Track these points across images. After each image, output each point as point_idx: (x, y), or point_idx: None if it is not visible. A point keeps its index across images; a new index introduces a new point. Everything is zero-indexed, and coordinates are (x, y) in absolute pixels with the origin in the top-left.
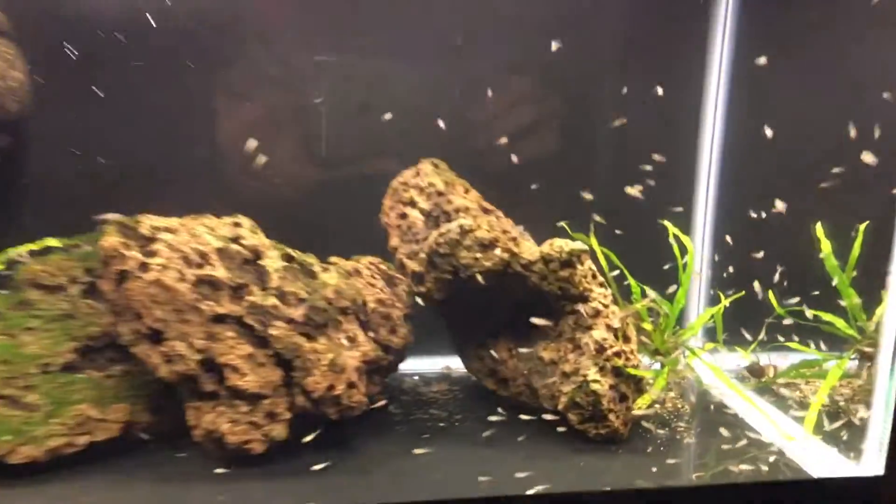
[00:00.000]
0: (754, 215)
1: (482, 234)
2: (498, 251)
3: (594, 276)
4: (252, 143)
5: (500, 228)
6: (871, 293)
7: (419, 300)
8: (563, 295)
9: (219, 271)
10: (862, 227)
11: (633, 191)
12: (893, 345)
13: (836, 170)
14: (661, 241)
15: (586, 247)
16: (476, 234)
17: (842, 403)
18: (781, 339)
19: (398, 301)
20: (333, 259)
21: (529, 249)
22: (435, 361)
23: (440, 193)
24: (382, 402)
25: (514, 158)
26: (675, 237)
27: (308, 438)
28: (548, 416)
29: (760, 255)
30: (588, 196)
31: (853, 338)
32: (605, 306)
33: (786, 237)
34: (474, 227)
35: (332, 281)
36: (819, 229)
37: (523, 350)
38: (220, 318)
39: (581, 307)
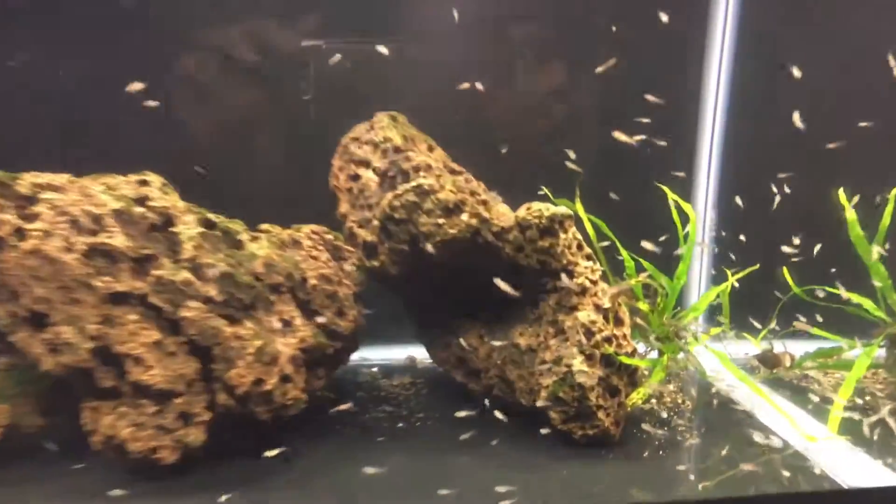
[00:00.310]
0: (767, 182)
1: (446, 195)
2: (465, 216)
3: (580, 247)
4: (137, 86)
5: (468, 190)
6: None
7: (351, 268)
8: (543, 269)
9: (117, 239)
10: (893, 193)
11: (627, 138)
12: None
13: (863, 123)
14: (658, 209)
15: (570, 212)
16: (438, 195)
17: (869, 398)
18: (803, 319)
19: (346, 277)
20: (265, 227)
21: (503, 215)
22: (396, 350)
23: (398, 150)
24: (346, 406)
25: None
26: (676, 204)
27: (272, 453)
28: (534, 407)
29: (774, 228)
30: (572, 155)
31: (882, 321)
32: (594, 283)
33: (802, 206)
34: (436, 188)
35: (261, 252)
36: (841, 195)
37: (497, 337)
38: (118, 298)
39: (565, 280)
